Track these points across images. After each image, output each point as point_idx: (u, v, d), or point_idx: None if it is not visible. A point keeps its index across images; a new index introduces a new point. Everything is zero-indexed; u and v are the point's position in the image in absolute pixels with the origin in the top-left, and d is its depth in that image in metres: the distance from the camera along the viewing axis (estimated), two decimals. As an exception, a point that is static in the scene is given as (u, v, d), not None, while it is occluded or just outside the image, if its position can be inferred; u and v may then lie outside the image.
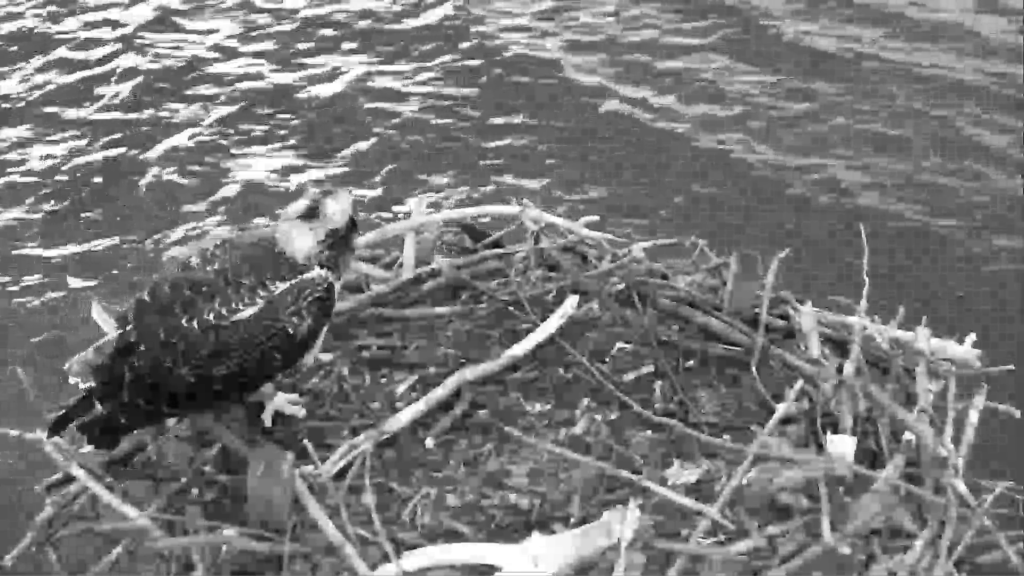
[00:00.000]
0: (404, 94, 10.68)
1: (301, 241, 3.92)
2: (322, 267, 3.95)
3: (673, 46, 11.32)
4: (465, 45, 11.28)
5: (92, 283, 8.24)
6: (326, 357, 4.56)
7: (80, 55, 11.39)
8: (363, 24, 11.82)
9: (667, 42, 11.40)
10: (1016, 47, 11.10)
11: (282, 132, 10.20)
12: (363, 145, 9.96)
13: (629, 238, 5.44)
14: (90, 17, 12.10)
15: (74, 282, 8.34)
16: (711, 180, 9.54)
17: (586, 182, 9.40)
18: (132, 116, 10.45)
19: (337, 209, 3.94)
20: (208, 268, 3.91)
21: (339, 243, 3.98)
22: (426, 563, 3.70)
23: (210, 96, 10.70)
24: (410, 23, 11.72)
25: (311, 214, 3.92)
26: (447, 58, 11.16)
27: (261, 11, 12.17)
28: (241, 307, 3.84)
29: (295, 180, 9.37)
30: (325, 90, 10.75)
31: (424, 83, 10.82)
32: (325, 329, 4.07)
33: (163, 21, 11.96)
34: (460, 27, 11.59)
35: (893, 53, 11.16)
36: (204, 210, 9.21)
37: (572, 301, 4.70)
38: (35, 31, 11.84)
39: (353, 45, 11.46)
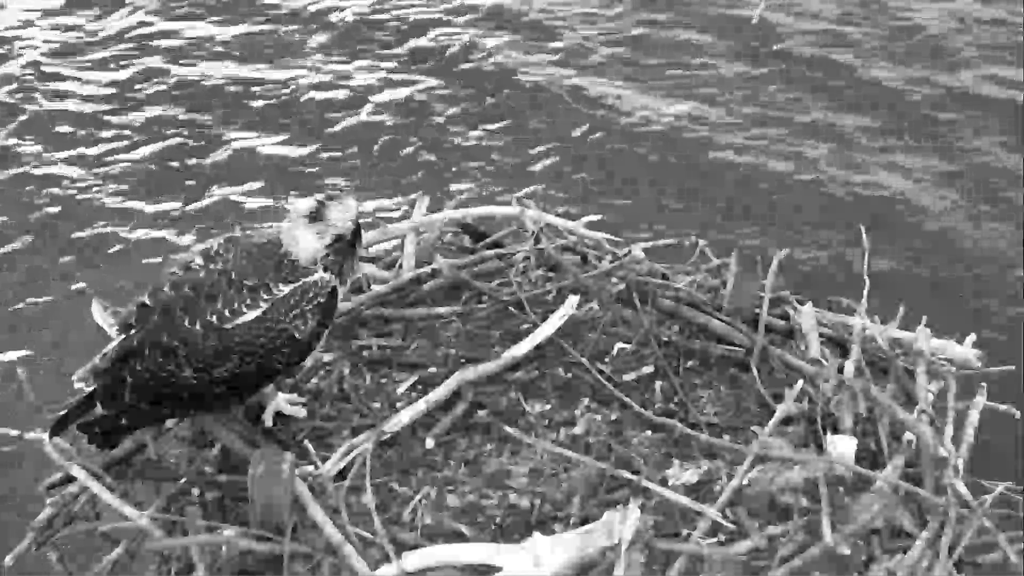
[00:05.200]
0: (405, 98, 10.69)
1: (305, 244, 3.90)
2: (326, 270, 3.93)
3: (682, 51, 11.32)
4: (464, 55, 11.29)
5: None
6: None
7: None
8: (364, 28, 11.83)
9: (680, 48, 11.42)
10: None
11: (281, 129, 10.19)
12: (364, 147, 9.96)
13: (629, 238, 5.43)
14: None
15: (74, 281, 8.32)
16: (712, 181, 9.54)
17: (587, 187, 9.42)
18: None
19: (342, 216, 3.90)
20: (211, 267, 3.90)
21: (344, 248, 3.95)
22: (426, 563, 3.70)
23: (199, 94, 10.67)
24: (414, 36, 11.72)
25: (316, 216, 3.89)
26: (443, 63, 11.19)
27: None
28: (244, 309, 3.83)
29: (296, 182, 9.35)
30: (327, 91, 10.74)
31: (425, 88, 10.84)
32: (327, 331, 4.06)
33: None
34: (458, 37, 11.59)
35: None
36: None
37: (572, 301, 4.70)
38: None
39: (353, 47, 11.45)
